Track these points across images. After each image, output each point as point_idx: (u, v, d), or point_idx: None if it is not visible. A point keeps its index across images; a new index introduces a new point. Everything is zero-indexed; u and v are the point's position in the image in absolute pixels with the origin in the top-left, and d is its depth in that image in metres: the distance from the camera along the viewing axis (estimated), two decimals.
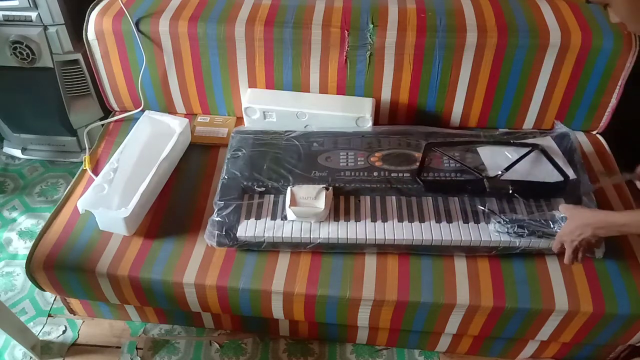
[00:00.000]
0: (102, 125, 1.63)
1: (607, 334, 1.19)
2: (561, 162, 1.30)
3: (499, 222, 1.19)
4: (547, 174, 1.28)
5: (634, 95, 1.47)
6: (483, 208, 1.23)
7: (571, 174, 1.27)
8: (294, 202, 1.22)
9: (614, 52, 1.36)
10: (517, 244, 1.18)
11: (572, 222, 1.10)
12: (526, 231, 1.17)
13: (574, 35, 1.36)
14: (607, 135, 1.54)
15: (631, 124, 1.61)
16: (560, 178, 1.26)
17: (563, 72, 1.41)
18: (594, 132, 1.55)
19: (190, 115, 1.62)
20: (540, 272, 1.19)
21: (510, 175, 1.26)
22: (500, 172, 1.26)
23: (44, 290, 1.33)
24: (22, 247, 1.71)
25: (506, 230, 1.18)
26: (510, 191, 1.22)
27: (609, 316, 1.14)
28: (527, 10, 1.44)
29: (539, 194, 1.25)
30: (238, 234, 1.21)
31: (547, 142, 1.36)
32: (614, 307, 1.14)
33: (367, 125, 1.44)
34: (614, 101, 1.46)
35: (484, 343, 1.36)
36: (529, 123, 1.53)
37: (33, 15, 1.54)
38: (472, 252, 1.20)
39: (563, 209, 1.15)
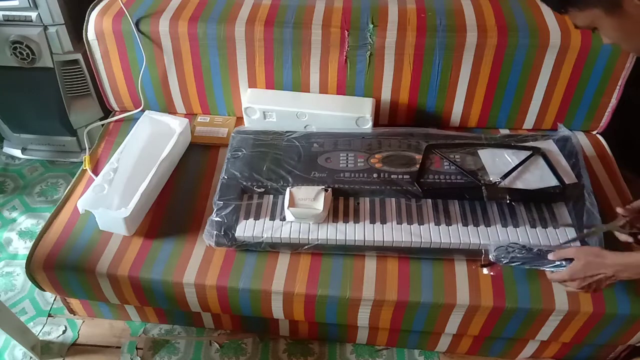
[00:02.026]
0: (102, 125, 1.63)
1: (607, 334, 1.19)
2: (563, 165, 1.30)
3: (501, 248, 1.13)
4: (547, 179, 1.27)
5: (634, 95, 1.47)
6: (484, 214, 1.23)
7: (572, 178, 1.27)
8: (292, 203, 1.22)
9: (614, 52, 1.36)
10: None
11: (585, 264, 1.01)
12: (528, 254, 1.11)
13: (574, 36, 1.36)
14: (607, 135, 1.54)
15: (631, 124, 1.61)
16: (558, 184, 1.25)
17: (563, 72, 1.41)
18: (594, 132, 1.55)
19: (190, 115, 1.62)
20: (541, 272, 1.18)
21: (509, 182, 1.26)
22: (498, 180, 1.26)
23: (44, 290, 1.33)
24: (22, 247, 1.71)
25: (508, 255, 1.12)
26: (508, 200, 1.22)
27: (609, 316, 1.14)
28: (527, 10, 1.44)
29: (538, 201, 1.24)
30: (236, 234, 1.21)
31: (549, 145, 1.36)
32: (614, 307, 1.14)
33: (367, 125, 1.44)
34: (614, 101, 1.46)
35: (484, 343, 1.36)
36: (529, 123, 1.53)
37: (33, 15, 1.54)
38: (471, 255, 1.20)
39: (572, 254, 1.04)
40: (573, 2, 0.82)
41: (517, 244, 1.11)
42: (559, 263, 1.04)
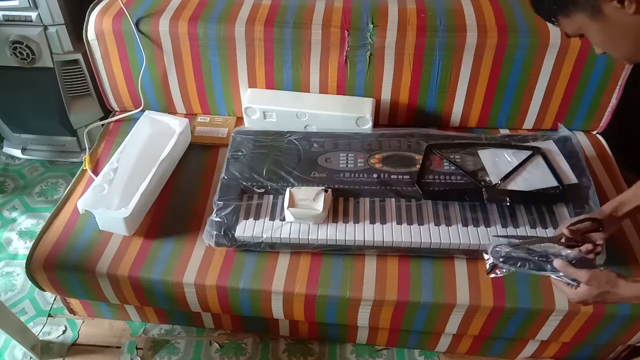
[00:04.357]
0: (102, 125, 1.63)
1: (607, 334, 1.19)
2: (563, 166, 1.30)
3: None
4: (547, 179, 1.27)
5: (634, 95, 1.47)
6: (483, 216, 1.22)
7: (572, 179, 1.27)
8: (292, 204, 1.22)
9: None
10: None
11: (599, 295, 0.93)
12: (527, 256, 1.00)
13: None
14: (607, 135, 1.54)
15: (631, 124, 1.61)
16: (557, 185, 1.26)
17: (563, 72, 1.41)
18: (594, 132, 1.55)
19: (190, 115, 1.62)
20: None
21: (509, 183, 1.26)
22: (498, 182, 1.26)
23: (44, 290, 1.33)
24: (22, 247, 1.71)
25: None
26: (508, 203, 1.22)
27: (609, 316, 1.14)
28: (527, 10, 1.43)
29: (538, 203, 1.24)
30: (236, 234, 1.21)
31: (549, 145, 1.36)
32: (614, 307, 1.14)
33: (367, 125, 1.44)
34: (614, 101, 1.46)
35: (484, 343, 1.36)
36: (529, 123, 1.53)
37: (33, 15, 1.54)
38: (471, 254, 1.20)
39: (582, 277, 0.93)
40: (559, 10, 0.83)
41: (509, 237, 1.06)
42: (562, 274, 0.96)
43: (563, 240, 1.03)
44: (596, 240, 1.05)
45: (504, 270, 0.99)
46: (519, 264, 0.98)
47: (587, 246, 1.02)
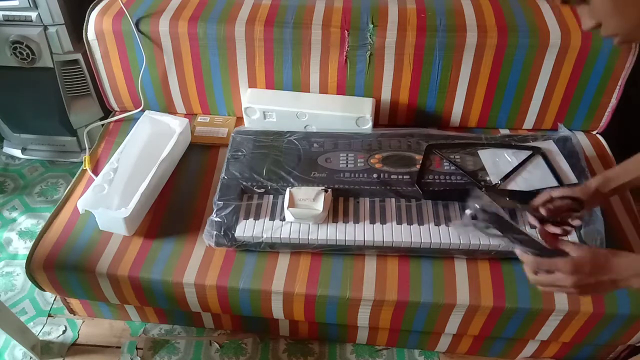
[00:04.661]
0: (102, 125, 1.63)
1: (607, 334, 1.19)
2: (563, 166, 1.30)
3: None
4: (547, 179, 1.27)
5: (634, 95, 1.47)
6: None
7: (572, 178, 1.27)
8: (292, 204, 1.22)
9: (613, 52, 1.36)
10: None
11: (593, 259, 0.82)
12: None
13: (574, 36, 1.36)
14: (607, 135, 1.54)
15: (631, 124, 1.61)
16: (557, 185, 1.25)
17: (563, 72, 1.41)
18: (594, 132, 1.55)
19: (190, 115, 1.62)
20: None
21: (509, 183, 1.26)
22: (498, 182, 1.26)
23: (44, 290, 1.33)
24: (22, 247, 1.71)
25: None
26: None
27: (609, 316, 1.14)
28: (527, 10, 1.44)
29: None
30: (236, 235, 1.21)
31: (549, 145, 1.36)
32: (614, 307, 1.14)
33: (367, 125, 1.44)
34: (614, 101, 1.46)
35: (484, 343, 1.36)
36: (529, 123, 1.53)
37: (33, 15, 1.54)
38: (471, 254, 1.20)
39: (571, 250, 0.84)
40: None
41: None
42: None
43: (538, 214, 0.99)
44: (571, 221, 0.99)
45: (480, 224, 0.89)
46: (496, 222, 0.88)
47: (555, 229, 0.96)
